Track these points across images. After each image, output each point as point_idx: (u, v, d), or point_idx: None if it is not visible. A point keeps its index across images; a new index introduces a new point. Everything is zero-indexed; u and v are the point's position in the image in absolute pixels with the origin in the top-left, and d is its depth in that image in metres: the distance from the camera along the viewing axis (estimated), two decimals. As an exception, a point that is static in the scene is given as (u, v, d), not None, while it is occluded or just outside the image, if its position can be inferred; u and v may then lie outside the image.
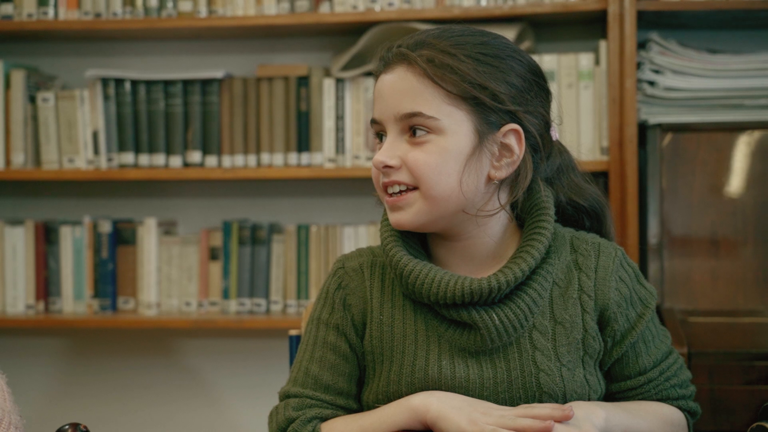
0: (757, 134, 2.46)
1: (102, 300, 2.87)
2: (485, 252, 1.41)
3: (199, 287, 2.87)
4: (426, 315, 1.39)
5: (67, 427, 1.07)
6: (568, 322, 1.38)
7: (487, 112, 1.35)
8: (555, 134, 1.46)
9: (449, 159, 1.34)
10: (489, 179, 1.37)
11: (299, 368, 1.44)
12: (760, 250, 2.41)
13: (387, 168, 1.37)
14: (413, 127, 1.35)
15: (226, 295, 2.84)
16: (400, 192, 1.37)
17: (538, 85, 1.41)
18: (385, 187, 1.39)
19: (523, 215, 1.43)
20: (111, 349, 3.04)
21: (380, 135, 1.40)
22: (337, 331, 1.43)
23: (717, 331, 2.23)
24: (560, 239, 1.43)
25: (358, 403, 1.44)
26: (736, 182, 2.44)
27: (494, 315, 1.35)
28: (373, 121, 1.41)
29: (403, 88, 1.36)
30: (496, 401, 1.35)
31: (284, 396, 1.44)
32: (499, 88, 1.34)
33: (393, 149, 1.36)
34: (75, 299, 2.89)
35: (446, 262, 1.42)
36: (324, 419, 1.41)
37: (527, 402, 1.36)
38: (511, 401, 1.36)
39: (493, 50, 1.37)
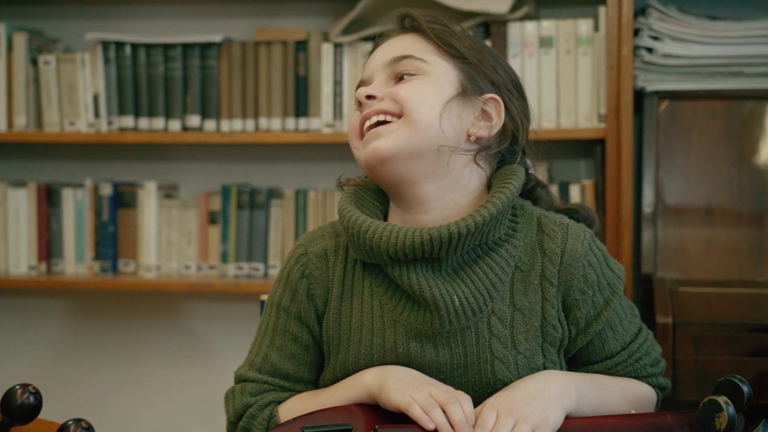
0: (755, 103, 2.43)
1: (103, 262, 2.90)
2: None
3: (198, 251, 2.89)
4: (381, 298, 1.36)
5: (70, 422, 1.12)
6: (528, 309, 1.34)
7: (473, 76, 1.38)
8: (531, 168, 1.47)
9: (433, 92, 1.34)
10: (468, 136, 1.36)
11: (257, 353, 1.42)
12: (755, 220, 2.38)
13: (370, 98, 1.36)
14: (400, 74, 1.37)
15: (224, 258, 2.86)
16: (379, 123, 1.35)
17: (518, 89, 1.44)
18: (365, 120, 1.36)
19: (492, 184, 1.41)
20: (111, 311, 3.07)
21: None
22: (299, 321, 1.40)
23: (706, 301, 2.20)
24: (528, 216, 1.39)
25: (316, 386, 1.43)
26: (732, 151, 2.41)
27: (455, 296, 1.31)
28: (360, 84, 1.41)
29: (397, 44, 1.39)
30: (452, 385, 1.33)
31: (241, 379, 1.42)
32: (487, 64, 1.40)
33: (378, 87, 1.37)
34: (76, 261, 2.92)
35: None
36: (281, 402, 1.40)
37: (481, 388, 1.33)
38: (466, 386, 1.34)
39: (487, 48, 1.43)
